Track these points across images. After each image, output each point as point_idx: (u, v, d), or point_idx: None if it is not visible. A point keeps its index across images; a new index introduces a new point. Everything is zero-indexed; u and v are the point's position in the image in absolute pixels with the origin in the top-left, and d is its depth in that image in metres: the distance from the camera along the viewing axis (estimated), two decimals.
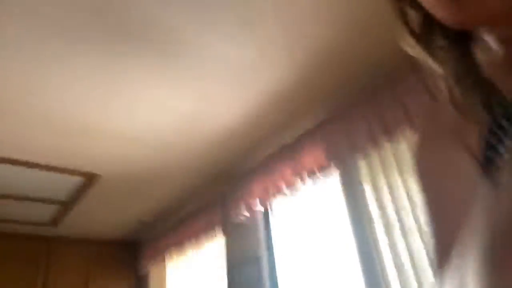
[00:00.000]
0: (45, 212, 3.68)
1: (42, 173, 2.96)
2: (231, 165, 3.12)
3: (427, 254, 1.93)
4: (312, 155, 2.54)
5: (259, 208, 2.94)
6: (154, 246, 4.20)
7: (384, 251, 2.11)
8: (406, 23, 0.46)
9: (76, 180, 3.13)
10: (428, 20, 0.43)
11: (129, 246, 4.62)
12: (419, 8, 0.43)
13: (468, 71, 0.43)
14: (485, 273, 0.29)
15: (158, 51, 1.90)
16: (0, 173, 2.90)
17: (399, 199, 2.11)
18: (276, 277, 2.84)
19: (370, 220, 2.21)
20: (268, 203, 2.89)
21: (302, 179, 2.57)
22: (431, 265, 1.90)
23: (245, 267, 3.03)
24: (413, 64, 0.49)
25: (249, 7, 1.71)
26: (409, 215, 2.03)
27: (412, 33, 0.45)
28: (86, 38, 1.78)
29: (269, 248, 2.96)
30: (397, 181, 2.14)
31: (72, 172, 2.99)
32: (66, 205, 3.56)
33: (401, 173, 2.14)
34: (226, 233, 3.31)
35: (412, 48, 0.46)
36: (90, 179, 3.13)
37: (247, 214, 3.02)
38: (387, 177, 2.20)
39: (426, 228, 1.97)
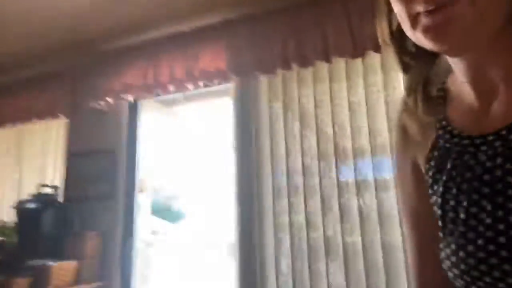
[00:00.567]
0: None
1: None
2: (89, 34, 2.50)
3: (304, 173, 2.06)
4: (209, 56, 2.27)
5: (128, 97, 2.54)
6: None
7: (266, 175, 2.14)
8: (389, 20, 0.52)
9: None
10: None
11: None
12: None
13: (423, 83, 0.53)
14: None
15: None
16: None
17: (293, 127, 2.13)
18: (134, 174, 2.61)
19: (258, 141, 2.19)
20: (142, 95, 2.51)
21: (192, 79, 2.29)
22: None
23: (95, 157, 2.66)
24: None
25: None
26: (297, 154, 2.09)
27: (391, 30, 0.52)
28: None
29: (131, 144, 2.65)
30: (295, 108, 2.14)
31: None
32: None
33: (301, 100, 2.14)
34: (70, 115, 2.76)
35: (385, 42, 0.54)
36: None
37: (108, 100, 2.57)
38: (287, 102, 2.18)
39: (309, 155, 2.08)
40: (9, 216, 2.61)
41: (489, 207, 0.44)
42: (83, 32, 2.49)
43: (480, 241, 0.43)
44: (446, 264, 0.48)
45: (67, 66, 2.78)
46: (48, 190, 2.59)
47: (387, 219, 1.87)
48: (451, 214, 0.48)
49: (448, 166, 0.50)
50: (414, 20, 0.45)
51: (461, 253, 0.45)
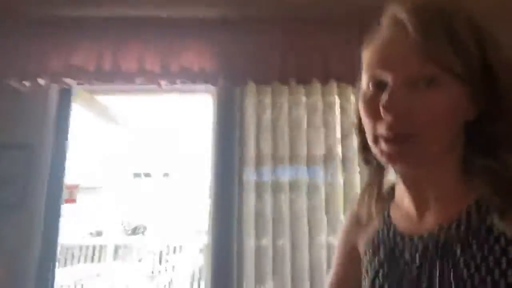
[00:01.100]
0: None
1: None
2: None
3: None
4: (194, 53, 1.93)
5: (70, 82, 1.97)
6: None
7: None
8: (361, 130, 0.58)
9: None
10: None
11: None
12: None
13: (376, 186, 0.63)
14: None
15: None
16: None
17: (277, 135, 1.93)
18: (59, 178, 2.02)
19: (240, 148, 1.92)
20: (91, 81, 1.96)
21: (168, 75, 1.90)
22: None
23: (3, 153, 1.97)
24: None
25: None
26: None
27: (360, 125, 0.58)
28: None
29: (60, 138, 2.05)
30: (281, 117, 1.95)
31: None
32: None
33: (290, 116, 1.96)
34: None
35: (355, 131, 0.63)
36: None
37: (25, 83, 1.95)
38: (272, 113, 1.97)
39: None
40: None
41: None
42: None
43: None
44: None
45: None
46: None
47: None
48: None
49: (382, 256, 0.59)
50: (375, 138, 0.52)
51: None
